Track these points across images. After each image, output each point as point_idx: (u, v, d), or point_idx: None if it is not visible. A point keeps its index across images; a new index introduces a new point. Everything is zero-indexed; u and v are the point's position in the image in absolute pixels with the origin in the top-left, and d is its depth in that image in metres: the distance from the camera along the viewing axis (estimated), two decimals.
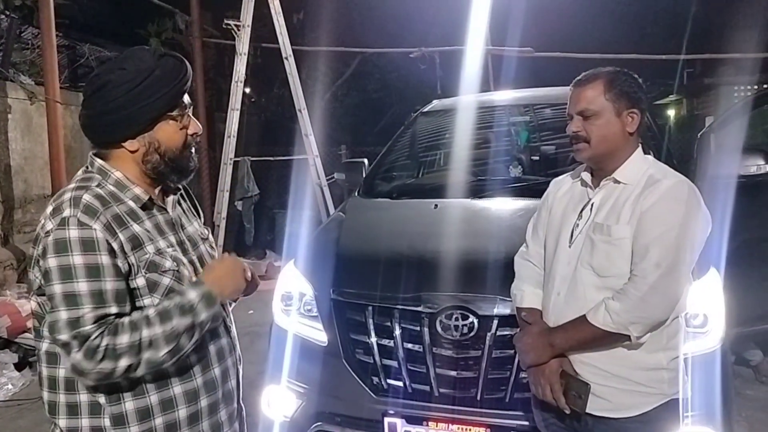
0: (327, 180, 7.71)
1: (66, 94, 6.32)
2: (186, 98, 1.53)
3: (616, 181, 1.80)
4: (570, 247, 1.84)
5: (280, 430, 2.58)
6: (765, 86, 10.63)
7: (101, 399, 1.42)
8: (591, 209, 1.82)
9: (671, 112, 16.87)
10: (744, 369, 3.99)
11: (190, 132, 1.55)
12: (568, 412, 1.75)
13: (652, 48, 11.25)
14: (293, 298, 2.70)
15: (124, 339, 1.33)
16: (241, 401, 1.72)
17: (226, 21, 7.78)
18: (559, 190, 2.00)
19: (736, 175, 3.17)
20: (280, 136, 12.03)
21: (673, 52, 11.41)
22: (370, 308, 2.41)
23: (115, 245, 1.38)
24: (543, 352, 1.80)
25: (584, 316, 1.72)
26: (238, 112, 7.65)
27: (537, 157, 3.76)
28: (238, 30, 7.67)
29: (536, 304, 1.94)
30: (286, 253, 5.45)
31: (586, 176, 1.90)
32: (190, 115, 1.55)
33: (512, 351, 2.23)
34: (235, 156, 7.79)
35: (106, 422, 1.42)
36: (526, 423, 2.18)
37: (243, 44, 7.69)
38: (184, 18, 9.64)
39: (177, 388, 1.48)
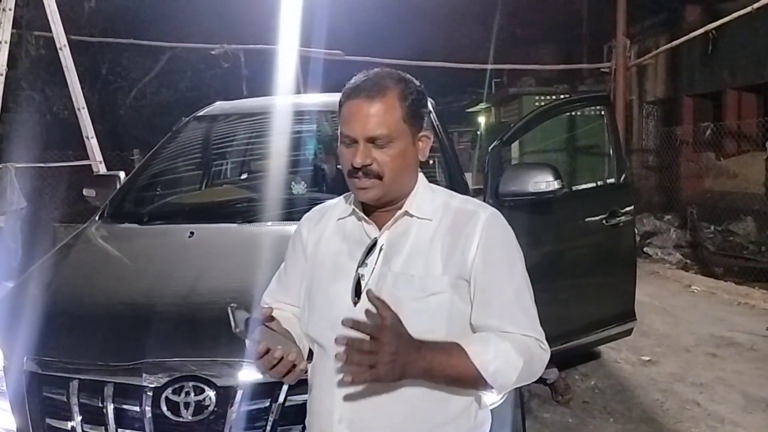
0: None
1: None
2: None
3: (409, 215, 1.38)
4: (356, 306, 1.34)
5: None
6: (548, 97, 11.39)
7: None
8: (379, 253, 1.37)
9: (482, 120, 17.70)
10: (541, 387, 3.89)
11: None
12: None
13: (466, 57, 11.59)
14: None
15: None
16: None
17: None
18: (324, 228, 1.49)
19: (527, 192, 2.99)
20: (72, 138, 10.71)
21: (483, 62, 11.85)
22: (75, 383, 1.80)
23: None
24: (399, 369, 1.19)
25: (462, 349, 1.25)
26: None
27: (325, 171, 3.34)
28: None
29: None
30: None
31: (359, 208, 1.43)
32: None
33: (261, 430, 1.77)
34: (5, 162, 6.62)
35: None
36: None
37: (4, 31, 6.51)
38: None
39: None
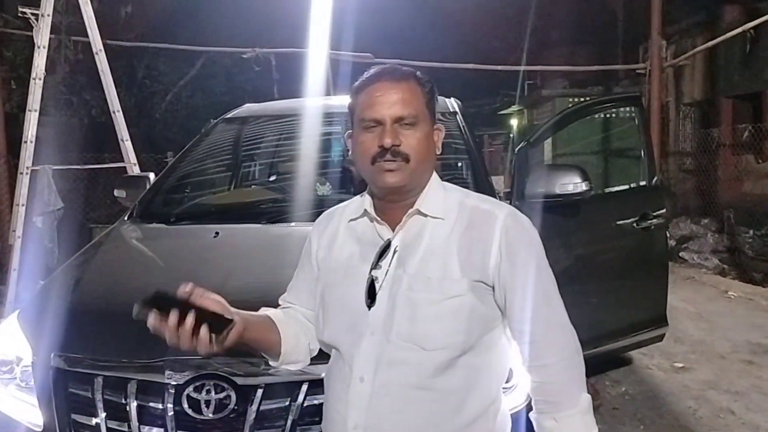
0: None
1: None
2: None
3: (422, 214, 1.35)
4: (370, 309, 1.32)
5: None
6: (582, 100, 11.18)
7: None
8: (393, 255, 1.34)
9: (514, 122, 17.56)
10: None
11: None
12: None
13: (499, 59, 11.51)
14: (10, 365, 2.06)
15: None
16: None
17: (21, 9, 6.76)
18: (336, 231, 1.46)
19: (554, 194, 2.94)
20: (108, 141, 10.97)
21: (515, 63, 11.75)
22: (100, 379, 1.83)
23: None
24: None
25: None
26: (37, 114, 6.63)
27: (350, 173, 3.34)
28: (37, 20, 6.68)
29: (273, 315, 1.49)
30: None
31: (370, 208, 1.40)
32: None
33: (280, 429, 1.77)
34: (44, 164, 6.81)
35: None
36: None
37: (42, 36, 6.68)
38: None
39: None
